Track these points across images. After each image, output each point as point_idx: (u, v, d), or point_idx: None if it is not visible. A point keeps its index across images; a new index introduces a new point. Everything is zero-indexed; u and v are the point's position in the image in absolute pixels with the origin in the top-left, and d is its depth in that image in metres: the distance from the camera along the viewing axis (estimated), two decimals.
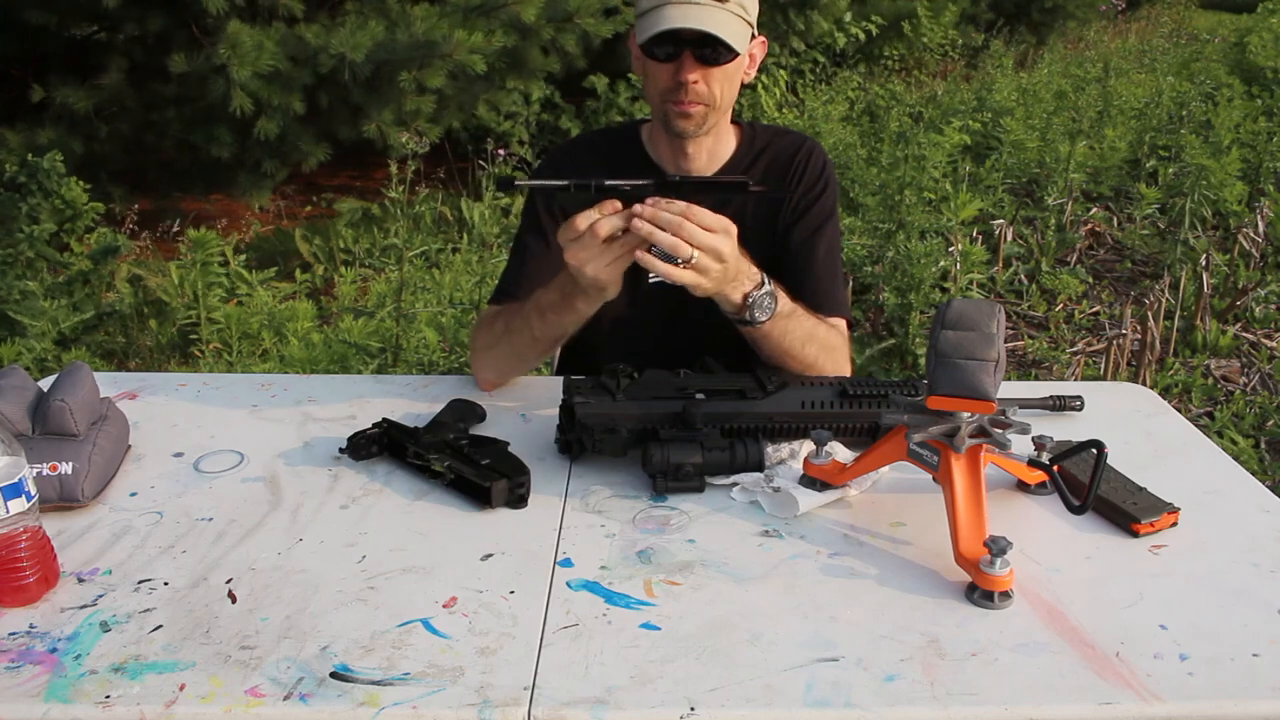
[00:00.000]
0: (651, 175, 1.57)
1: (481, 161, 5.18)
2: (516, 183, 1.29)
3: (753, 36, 1.50)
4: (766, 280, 1.37)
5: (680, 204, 1.23)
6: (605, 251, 1.25)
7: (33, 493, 1.04)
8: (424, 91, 4.41)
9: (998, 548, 1.03)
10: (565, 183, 1.27)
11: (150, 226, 4.41)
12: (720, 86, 1.48)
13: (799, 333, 1.44)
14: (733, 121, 1.61)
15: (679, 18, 1.39)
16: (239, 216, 4.91)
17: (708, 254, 1.24)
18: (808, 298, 1.52)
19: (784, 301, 1.40)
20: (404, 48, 4.22)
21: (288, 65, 4.14)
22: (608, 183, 1.25)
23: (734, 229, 1.27)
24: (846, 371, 1.54)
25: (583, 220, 1.24)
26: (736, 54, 1.43)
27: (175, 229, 4.44)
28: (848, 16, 6.96)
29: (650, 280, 1.58)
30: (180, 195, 5.13)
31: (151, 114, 4.53)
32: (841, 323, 1.59)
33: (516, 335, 1.49)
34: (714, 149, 1.59)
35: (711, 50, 1.42)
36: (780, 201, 1.60)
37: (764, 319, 1.37)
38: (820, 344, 1.47)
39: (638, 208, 1.23)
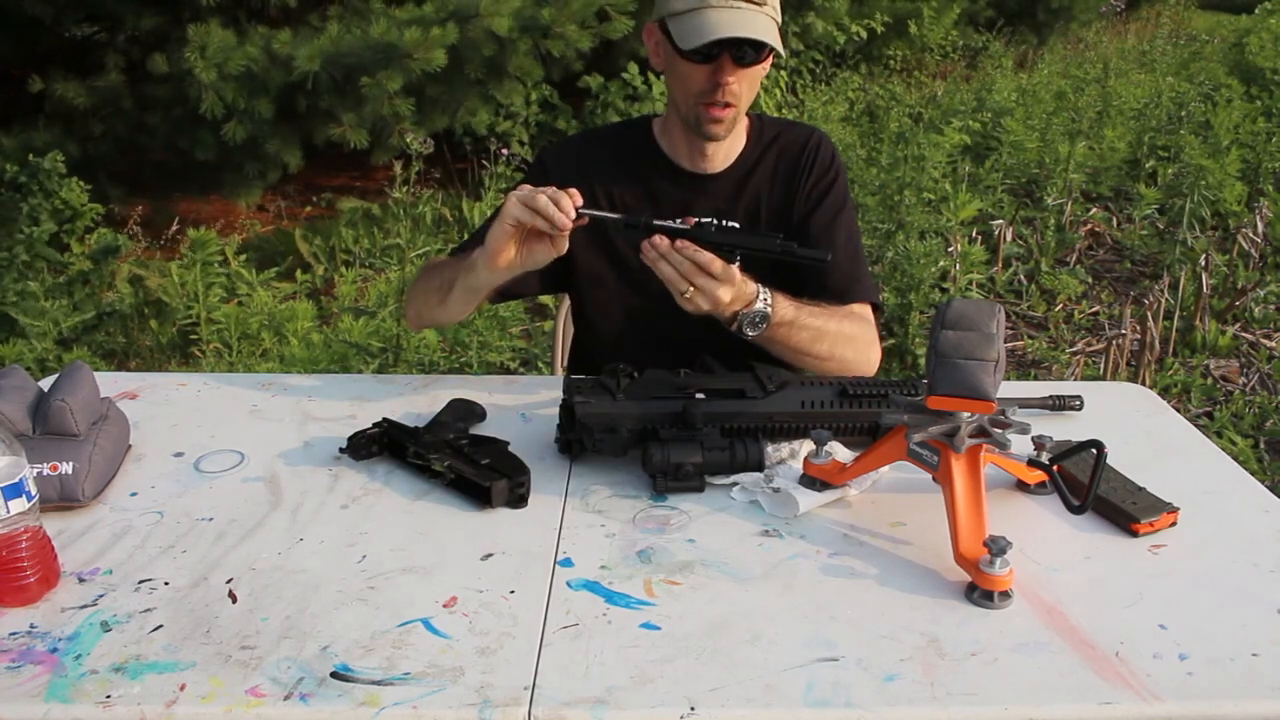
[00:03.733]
0: (667, 171, 1.63)
1: (485, 161, 5.18)
2: (581, 210, 1.32)
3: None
4: (761, 298, 1.39)
5: (705, 256, 1.30)
6: (524, 207, 1.31)
7: (33, 493, 1.04)
8: (392, 96, 4.39)
9: (998, 548, 1.03)
10: (618, 216, 1.37)
11: (150, 227, 4.41)
12: (748, 87, 1.51)
13: (805, 335, 1.46)
14: None
15: (728, 25, 1.41)
16: (238, 217, 4.91)
17: (704, 296, 1.32)
18: (832, 285, 1.56)
19: (782, 312, 1.42)
20: (363, 52, 4.21)
21: (261, 67, 4.13)
22: (655, 222, 1.34)
23: (737, 276, 1.34)
24: (873, 358, 1.57)
25: (521, 198, 1.32)
26: (774, 55, 1.47)
27: (175, 229, 4.45)
28: (847, 19, 6.95)
29: None
30: (179, 196, 5.13)
31: (145, 115, 4.53)
32: (866, 309, 1.61)
33: (436, 275, 1.56)
34: (729, 146, 1.62)
35: (749, 52, 1.45)
36: (792, 200, 1.64)
37: (751, 334, 1.41)
38: (834, 339, 1.49)
39: (655, 239, 1.31)
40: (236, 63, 4.01)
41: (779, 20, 1.49)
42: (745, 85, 1.50)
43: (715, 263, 1.30)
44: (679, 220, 1.33)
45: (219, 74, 4.00)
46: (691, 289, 1.31)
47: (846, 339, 1.51)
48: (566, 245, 1.35)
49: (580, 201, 1.32)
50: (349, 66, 4.20)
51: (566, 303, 1.96)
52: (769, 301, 1.40)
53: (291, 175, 4.94)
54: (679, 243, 1.30)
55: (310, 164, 4.84)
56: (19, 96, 4.32)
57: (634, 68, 5.75)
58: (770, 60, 1.52)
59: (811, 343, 1.47)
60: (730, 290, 1.33)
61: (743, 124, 1.62)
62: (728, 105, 1.49)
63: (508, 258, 1.37)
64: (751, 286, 1.38)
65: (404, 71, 4.21)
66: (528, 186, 1.33)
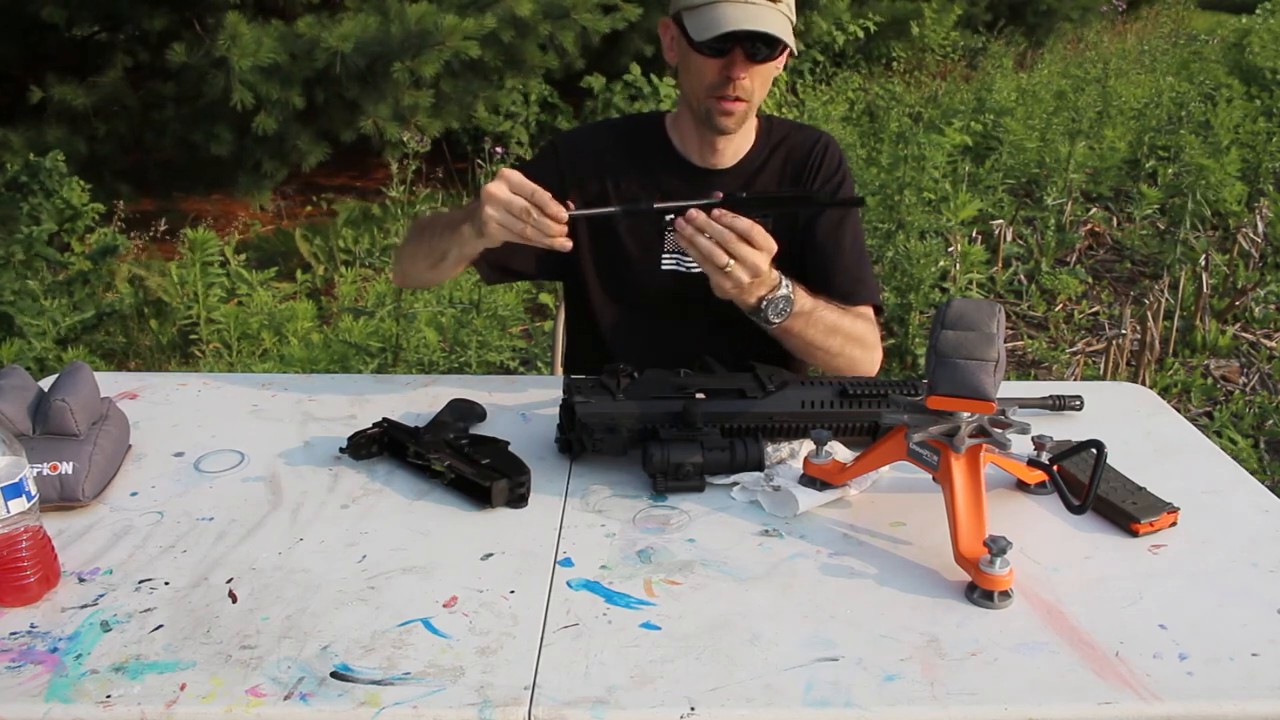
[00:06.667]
0: (677, 165, 1.63)
1: (480, 160, 5.18)
2: (571, 212, 1.30)
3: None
4: (784, 283, 1.39)
5: (744, 222, 1.28)
6: (507, 214, 1.29)
7: (33, 492, 1.04)
8: (419, 85, 4.39)
9: (997, 547, 1.03)
10: (616, 209, 1.35)
11: (151, 226, 4.41)
12: (760, 83, 1.51)
13: (821, 327, 1.46)
14: None
15: (741, 19, 1.42)
16: (239, 216, 4.91)
17: (745, 267, 1.30)
18: (838, 285, 1.57)
19: (802, 301, 1.42)
20: (397, 38, 4.22)
21: (286, 60, 4.14)
22: (656, 205, 1.31)
23: (775, 248, 1.32)
24: (876, 359, 1.57)
25: (512, 179, 1.30)
26: (788, 52, 1.47)
27: (176, 229, 4.45)
28: (846, 17, 6.95)
29: (663, 266, 1.62)
30: (181, 195, 5.13)
31: (151, 113, 4.53)
32: (869, 310, 1.61)
33: (421, 235, 1.55)
34: (738, 143, 1.62)
35: (761, 48, 1.45)
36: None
37: (777, 320, 1.40)
38: (845, 335, 1.50)
39: (691, 213, 1.29)
40: (266, 53, 4.01)
41: (793, 18, 1.49)
42: (757, 81, 1.50)
43: (756, 229, 1.28)
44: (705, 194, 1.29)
45: (252, 64, 3.99)
46: (731, 261, 1.29)
47: (856, 337, 1.52)
48: (569, 245, 1.33)
49: (548, 196, 1.29)
50: (374, 55, 4.20)
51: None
52: (791, 288, 1.40)
53: (293, 174, 4.95)
54: (716, 213, 1.28)
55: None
56: (23, 96, 4.32)
57: (636, 68, 5.74)
58: (784, 58, 1.52)
59: (826, 336, 1.47)
60: (768, 259, 1.31)
61: (752, 122, 1.63)
62: (739, 99, 1.49)
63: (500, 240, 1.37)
64: (775, 273, 1.38)
65: (436, 59, 4.21)
66: (505, 191, 1.29)
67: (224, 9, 4.18)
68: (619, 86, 5.82)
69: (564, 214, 1.29)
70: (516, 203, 1.29)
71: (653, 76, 5.74)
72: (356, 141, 4.75)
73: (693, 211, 1.28)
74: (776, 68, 1.52)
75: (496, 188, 1.30)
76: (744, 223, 1.28)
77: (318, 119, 4.58)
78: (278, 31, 4.18)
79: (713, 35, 1.42)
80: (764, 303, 1.38)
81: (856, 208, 1.45)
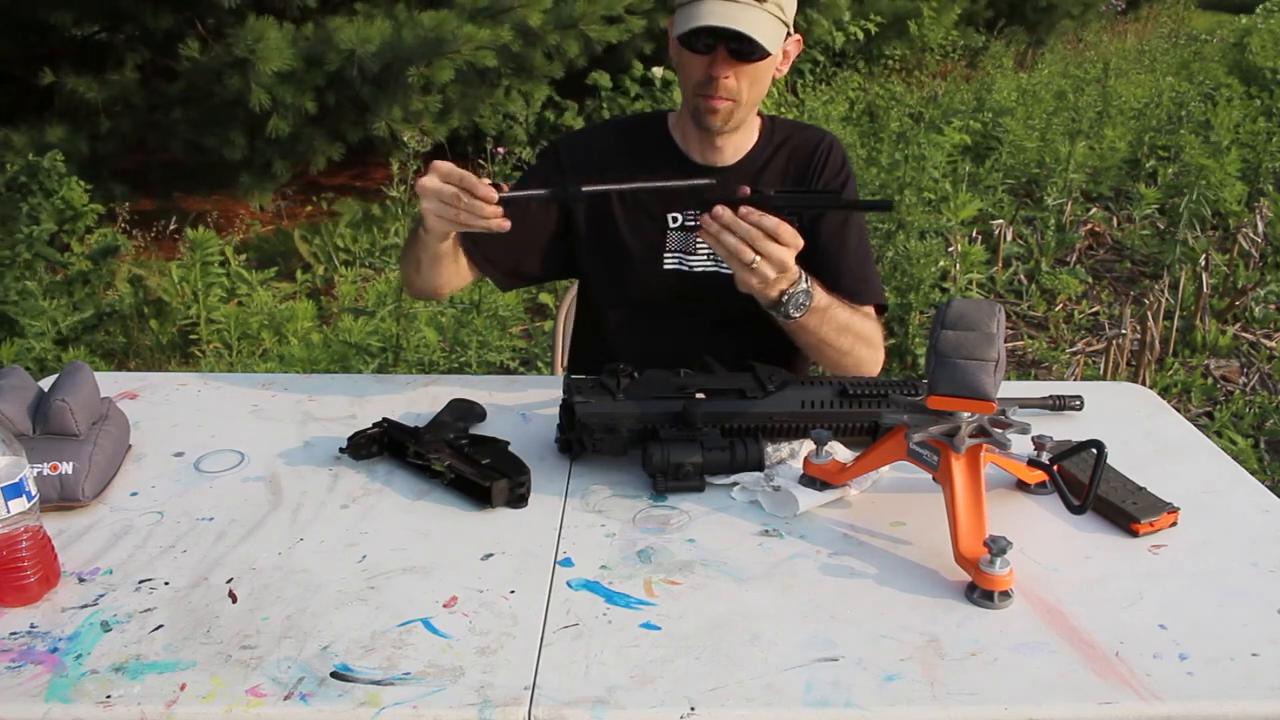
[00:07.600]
0: (678, 163, 1.63)
1: (482, 160, 5.18)
2: (502, 194, 1.29)
3: (788, 35, 1.52)
4: (804, 278, 1.38)
5: (771, 219, 1.27)
6: (440, 203, 1.30)
7: (33, 492, 1.04)
8: (429, 90, 4.40)
9: (998, 547, 1.03)
10: (543, 192, 1.33)
11: (151, 226, 4.41)
12: (749, 83, 1.50)
13: (834, 324, 1.46)
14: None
15: (715, 15, 1.41)
16: (239, 216, 4.91)
17: (771, 263, 1.29)
18: (844, 286, 1.56)
19: (819, 297, 1.42)
20: (413, 44, 4.23)
21: (301, 65, 4.14)
22: (585, 188, 1.30)
23: (801, 244, 1.31)
24: (879, 359, 1.57)
25: (441, 168, 1.29)
26: (769, 53, 1.45)
27: (176, 229, 4.45)
28: (846, 16, 6.95)
29: (665, 266, 1.62)
30: (182, 195, 5.13)
31: (156, 114, 4.53)
32: (873, 310, 1.61)
33: (406, 243, 1.55)
34: (739, 142, 1.62)
35: (744, 47, 1.44)
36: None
37: (796, 315, 1.39)
38: (855, 333, 1.50)
39: (717, 210, 1.28)
40: (286, 59, 4.01)
41: (785, 19, 1.48)
42: (746, 81, 1.49)
43: (784, 226, 1.28)
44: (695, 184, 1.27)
45: (274, 70, 4.00)
46: (758, 258, 1.28)
47: (865, 337, 1.52)
48: (506, 225, 1.31)
49: (475, 180, 1.28)
50: (389, 59, 4.21)
51: (567, 301, 1.96)
52: (810, 283, 1.39)
53: (295, 175, 4.95)
54: (742, 210, 1.27)
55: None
56: (25, 94, 4.32)
57: (639, 66, 5.74)
58: (783, 60, 1.52)
59: (838, 334, 1.47)
60: (793, 255, 1.31)
61: (754, 121, 1.62)
62: (723, 98, 1.49)
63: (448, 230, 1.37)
64: (796, 268, 1.37)
65: (450, 65, 4.23)
66: (435, 182, 1.29)
67: (226, 10, 4.18)
68: (628, 81, 5.79)
69: (494, 195, 1.28)
70: (446, 190, 1.28)
71: (656, 70, 5.72)
72: (359, 142, 4.76)
73: (719, 209, 1.27)
74: (770, 67, 1.51)
75: (427, 180, 1.30)
76: (770, 220, 1.27)
77: (328, 121, 4.59)
78: (289, 34, 4.19)
79: (685, 30, 1.43)
80: (785, 297, 1.37)
81: (875, 211, 1.43)
